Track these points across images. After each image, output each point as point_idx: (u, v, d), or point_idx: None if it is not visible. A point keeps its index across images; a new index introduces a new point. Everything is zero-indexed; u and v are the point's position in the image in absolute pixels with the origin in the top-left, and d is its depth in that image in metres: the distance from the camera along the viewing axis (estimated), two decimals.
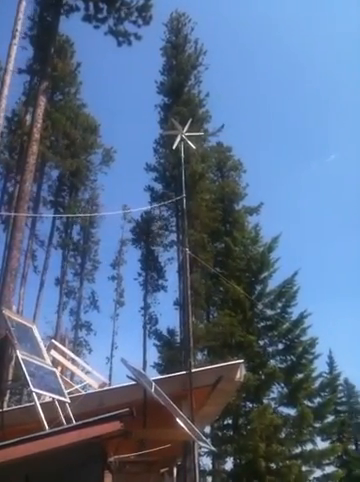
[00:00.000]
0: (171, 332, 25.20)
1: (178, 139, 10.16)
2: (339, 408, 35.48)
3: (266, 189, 49.85)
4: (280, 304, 22.61)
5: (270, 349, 22.25)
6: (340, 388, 34.50)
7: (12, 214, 16.04)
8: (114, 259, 36.52)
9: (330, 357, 36.24)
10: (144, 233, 29.60)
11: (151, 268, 29.64)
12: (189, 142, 10.61)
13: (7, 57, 14.67)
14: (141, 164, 29.67)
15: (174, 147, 10.61)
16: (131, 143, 53.45)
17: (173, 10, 30.67)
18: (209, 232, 24.91)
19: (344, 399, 37.56)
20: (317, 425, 20.31)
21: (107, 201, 36.77)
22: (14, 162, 27.49)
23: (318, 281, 53.34)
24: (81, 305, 31.94)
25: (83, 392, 7.67)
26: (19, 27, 15.26)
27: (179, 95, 28.26)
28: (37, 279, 27.99)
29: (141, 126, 49.37)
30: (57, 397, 5.23)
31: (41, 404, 4.82)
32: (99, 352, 33.81)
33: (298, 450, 19.47)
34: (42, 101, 16.09)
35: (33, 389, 4.78)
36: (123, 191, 57.46)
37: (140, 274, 30.09)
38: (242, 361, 7.22)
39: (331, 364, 36.22)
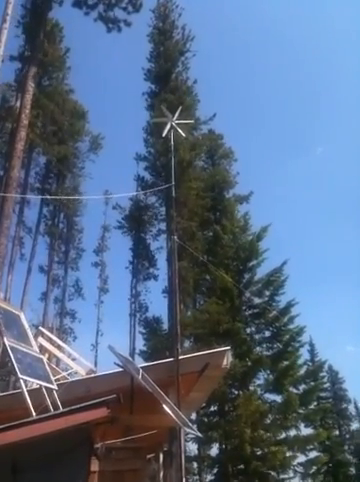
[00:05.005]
0: (157, 320, 25.32)
1: (168, 127, 9.95)
2: (322, 394, 36.07)
3: (255, 179, 50.04)
4: (268, 292, 22.80)
5: (257, 336, 22.50)
6: (323, 374, 35.05)
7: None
8: (97, 245, 36.42)
9: (311, 344, 36.74)
10: (135, 221, 29.47)
11: (142, 256, 29.60)
12: (179, 130, 10.40)
13: None
14: (130, 151, 29.50)
15: (164, 135, 10.35)
16: (120, 130, 53.02)
17: None
18: (198, 220, 24.91)
19: (327, 385, 38.15)
20: (302, 411, 20.65)
21: (95, 189, 36.50)
22: None
23: (303, 269, 54.10)
24: (66, 293, 31.85)
25: (70, 379, 7.69)
26: (10, 11, 14.95)
27: (167, 82, 27.93)
28: (23, 266, 27.85)
29: (130, 113, 48.99)
30: (44, 384, 5.23)
31: (28, 391, 4.83)
32: (84, 339, 33.89)
33: (283, 436, 19.81)
34: (31, 87, 15.89)
35: (20, 376, 4.78)
36: (111, 179, 57.18)
37: (131, 262, 30.15)
38: (229, 348, 7.26)
39: (312, 351, 36.75)
